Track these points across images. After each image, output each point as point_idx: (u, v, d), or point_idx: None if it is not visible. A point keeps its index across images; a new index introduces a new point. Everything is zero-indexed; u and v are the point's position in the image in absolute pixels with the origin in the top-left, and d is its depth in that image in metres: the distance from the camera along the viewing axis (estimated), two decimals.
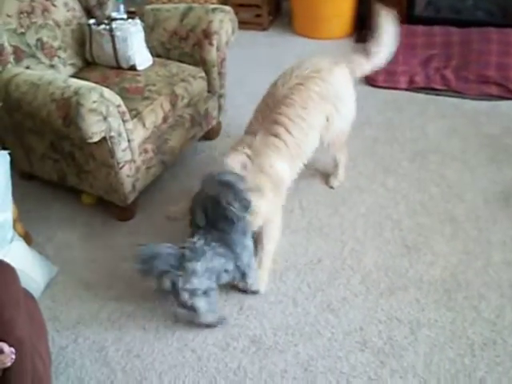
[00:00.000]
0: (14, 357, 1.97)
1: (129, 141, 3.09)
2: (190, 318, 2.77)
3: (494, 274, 3.06)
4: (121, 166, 3.09)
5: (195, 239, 2.67)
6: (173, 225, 3.33)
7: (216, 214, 2.63)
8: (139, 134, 3.18)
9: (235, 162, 2.84)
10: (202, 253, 2.62)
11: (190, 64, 3.65)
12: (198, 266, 2.60)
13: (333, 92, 3.17)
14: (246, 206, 2.64)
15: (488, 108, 4.43)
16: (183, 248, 2.65)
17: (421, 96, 4.59)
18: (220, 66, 3.72)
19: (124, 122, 3.02)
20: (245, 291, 2.93)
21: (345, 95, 3.27)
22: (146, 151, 3.28)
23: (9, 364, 1.96)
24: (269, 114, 3.07)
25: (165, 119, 3.36)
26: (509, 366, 2.63)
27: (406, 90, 4.66)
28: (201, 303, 2.65)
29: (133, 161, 3.17)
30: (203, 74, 3.64)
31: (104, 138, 2.95)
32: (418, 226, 3.34)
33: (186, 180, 3.71)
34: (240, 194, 2.63)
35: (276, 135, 3.02)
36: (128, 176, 3.17)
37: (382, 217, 3.42)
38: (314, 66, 3.21)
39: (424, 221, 3.38)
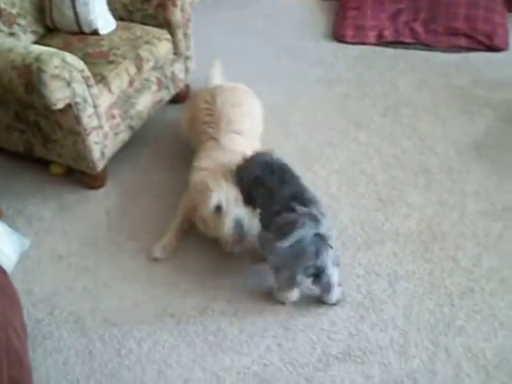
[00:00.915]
0: None
1: (95, 106, 3.02)
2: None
3: (470, 224, 3.06)
4: (88, 132, 3.03)
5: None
6: (145, 193, 3.31)
7: None
8: (105, 99, 3.11)
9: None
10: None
11: (154, 26, 3.56)
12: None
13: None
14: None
15: (458, 60, 4.40)
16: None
17: (390, 50, 4.54)
18: (185, 27, 3.64)
19: (89, 87, 2.95)
20: None
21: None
22: (113, 116, 3.22)
23: None
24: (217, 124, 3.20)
25: (131, 83, 3.29)
26: (487, 314, 2.65)
27: (375, 44, 4.60)
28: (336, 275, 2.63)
29: (100, 127, 3.10)
30: (168, 36, 3.56)
31: (69, 105, 2.89)
32: (391, 180, 3.33)
33: (154, 144, 3.65)
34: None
35: (235, 132, 3.18)
36: (96, 143, 3.10)
37: (355, 172, 3.40)
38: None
39: (398, 174, 3.37)
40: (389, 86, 4.13)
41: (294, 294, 2.68)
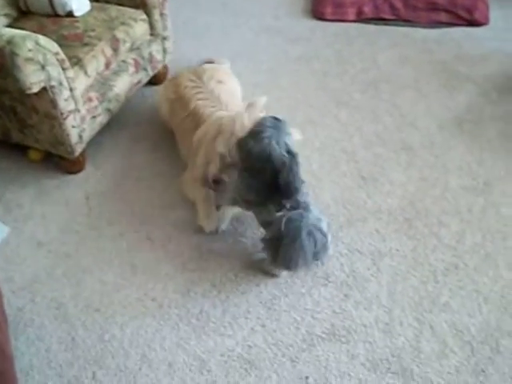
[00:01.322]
0: None
1: (71, 89, 2.97)
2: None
3: (452, 200, 3.06)
4: (65, 116, 2.98)
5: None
6: (125, 176, 3.27)
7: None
8: (81, 81, 3.06)
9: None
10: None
11: (129, 7, 3.49)
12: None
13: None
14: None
15: (438, 35, 4.38)
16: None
17: (370, 27, 4.50)
18: (161, 6, 3.58)
19: (64, 70, 2.89)
20: None
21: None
22: (90, 99, 3.17)
23: None
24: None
25: (107, 65, 3.24)
26: (471, 289, 2.66)
27: (355, 21, 4.56)
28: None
29: (77, 110, 3.05)
30: (144, 17, 3.50)
31: (44, 89, 2.83)
32: (373, 157, 3.32)
33: (134, 127, 3.60)
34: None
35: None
36: (73, 126, 3.05)
37: (336, 150, 3.38)
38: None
39: (379, 151, 3.35)
40: (369, 63, 4.10)
41: None
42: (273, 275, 2.72)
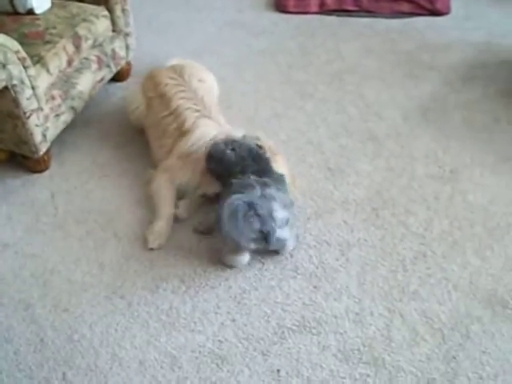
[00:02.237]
0: None
1: (33, 88, 2.93)
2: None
3: (419, 188, 3.08)
4: (27, 115, 2.94)
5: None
6: (90, 174, 3.24)
7: None
8: (43, 80, 3.03)
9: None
10: (272, 198, 2.57)
11: (91, 3, 3.46)
12: (273, 191, 2.57)
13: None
14: None
15: (400, 25, 4.42)
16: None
17: (333, 19, 4.52)
18: (123, 2, 3.55)
19: (25, 68, 2.86)
20: None
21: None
22: (53, 98, 3.13)
23: None
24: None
25: (69, 62, 3.20)
26: (440, 277, 2.67)
27: (318, 13, 4.58)
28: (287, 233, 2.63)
29: (40, 109, 3.02)
30: (106, 13, 3.47)
31: (6, 88, 2.79)
32: (339, 148, 3.32)
33: (99, 125, 3.57)
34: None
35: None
36: (37, 125, 3.02)
37: (302, 142, 3.38)
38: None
39: (345, 142, 3.36)
40: (333, 54, 4.11)
41: (244, 258, 2.67)
42: (231, 266, 2.71)
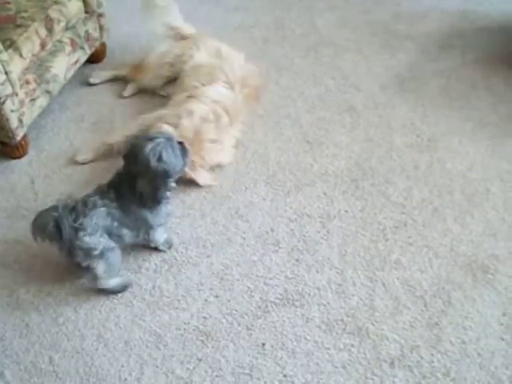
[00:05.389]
0: None
1: (6, 73, 2.90)
2: (92, 285, 2.60)
3: (398, 158, 3.09)
4: (2, 101, 2.91)
5: (91, 194, 2.49)
6: (69, 158, 3.21)
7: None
8: (17, 64, 2.99)
9: None
10: (94, 207, 2.41)
11: None
12: (87, 221, 2.38)
13: None
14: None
15: None
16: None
17: None
18: None
19: None
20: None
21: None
22: (27, 82, 3.10)
23: None
24: None
25: (43, 46, 3.17)
26: (421, 245, 2.69)
27: None
28: (98, 265, 2.46)
29: (15, 94, 2.99)
30: None
31: None
32: (317, 121, 3.32)
33: (75, 108, 3.54)
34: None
35: None
36: (12, 111, 2.99)
37: (280, 116, 3.38)
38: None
39: (323, 114, 3.36)
40: (308, 27, 4.10)
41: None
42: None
